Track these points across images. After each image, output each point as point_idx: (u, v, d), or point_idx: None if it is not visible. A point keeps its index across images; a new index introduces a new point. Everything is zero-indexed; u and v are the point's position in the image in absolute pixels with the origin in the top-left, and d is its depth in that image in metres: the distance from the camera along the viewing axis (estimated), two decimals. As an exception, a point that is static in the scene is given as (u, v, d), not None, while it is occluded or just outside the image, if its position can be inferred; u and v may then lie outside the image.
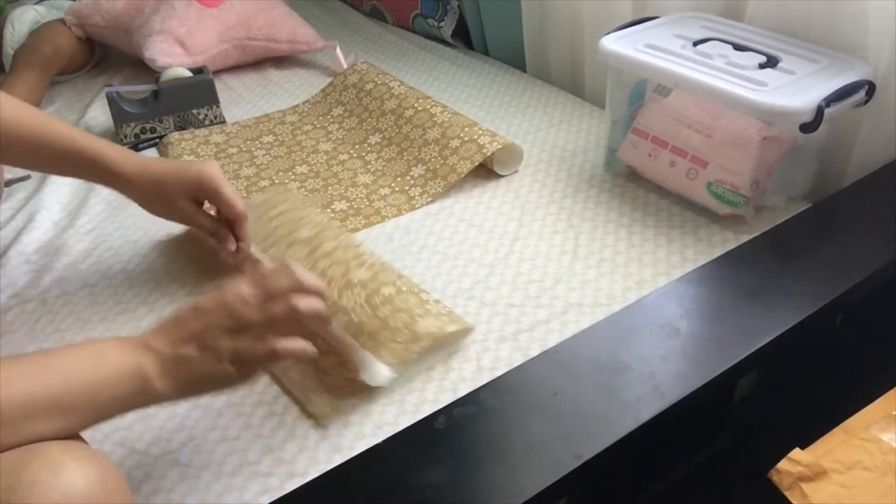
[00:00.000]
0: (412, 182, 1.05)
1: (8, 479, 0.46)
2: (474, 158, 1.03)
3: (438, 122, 1.11)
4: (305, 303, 0.61)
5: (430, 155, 1.07)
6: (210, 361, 0.58)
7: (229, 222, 0.83)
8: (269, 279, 0.61)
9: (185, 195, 0.81)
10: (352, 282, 0.75)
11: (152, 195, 0.82)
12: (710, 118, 0.88)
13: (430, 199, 1.02)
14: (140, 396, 0.56)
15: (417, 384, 0.72)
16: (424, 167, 1.06)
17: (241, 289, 0.60)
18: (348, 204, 1.02)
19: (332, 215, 1.00)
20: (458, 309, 0.81)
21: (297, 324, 0.62)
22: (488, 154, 1.03)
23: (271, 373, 0.73)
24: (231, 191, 0.81)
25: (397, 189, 1.05)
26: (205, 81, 1.23)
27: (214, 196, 0.81)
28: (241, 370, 0.59)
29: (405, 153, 1.10)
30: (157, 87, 1.20)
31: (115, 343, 0.57)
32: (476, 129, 1.07)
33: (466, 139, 1.06)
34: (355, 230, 0.97)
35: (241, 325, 0.59)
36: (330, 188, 1.06)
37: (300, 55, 1.49)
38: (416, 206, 1.01)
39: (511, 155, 1.07)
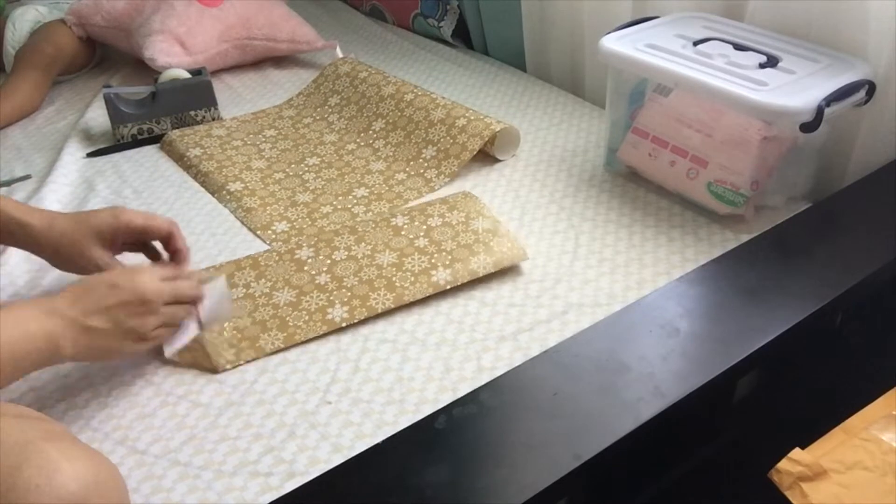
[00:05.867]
0: (425, 164, 1.06)
1: (3, 483, 0.46)
2: (483, 134, 1.04)
3: (441, 104, 1.12)
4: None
5: (439, 135, 1.08)
6: (116, 337, 0.66)
7: (164, 240, 0.79)
8: (182, 284, 0.71)
9: (97, 241, 0.77)
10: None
11: (64, 245, 0.77)
12: (710, 118, 0.88)
13: (447, 180, 1.03)
14: (51, 357, 0.63)
15: (417, 384, 0.72)
16: (435, 148, 1.07)
17: (155, 282, 0.68)
18: (368, 190, 1.03)
19: (355, 201, 1.01)
20: (457, 308, 0.81)
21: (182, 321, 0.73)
22: (497, 130, 1.04)
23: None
24: (148, 215, 0.78)
25: (412, 173, 1.05)
26: (202, 83, 1.23)
27: (135, 227, 0.77)
28: (136, 346, 0.68)
29: (412, 136, 1.10)
30: (155, 89, 1.20)
31: (31, 308, 0.63)
32: (478, 112, 1.09)
33: (473, 118, 1.07)
34: (380, 213, 0.98)
35: (147, 312, 0.67)
36: (346, 176, 1.06)
37: (300, 55, 1.49)
38: (435, 187, 1.02)
39: (510, 137, 1.08)
